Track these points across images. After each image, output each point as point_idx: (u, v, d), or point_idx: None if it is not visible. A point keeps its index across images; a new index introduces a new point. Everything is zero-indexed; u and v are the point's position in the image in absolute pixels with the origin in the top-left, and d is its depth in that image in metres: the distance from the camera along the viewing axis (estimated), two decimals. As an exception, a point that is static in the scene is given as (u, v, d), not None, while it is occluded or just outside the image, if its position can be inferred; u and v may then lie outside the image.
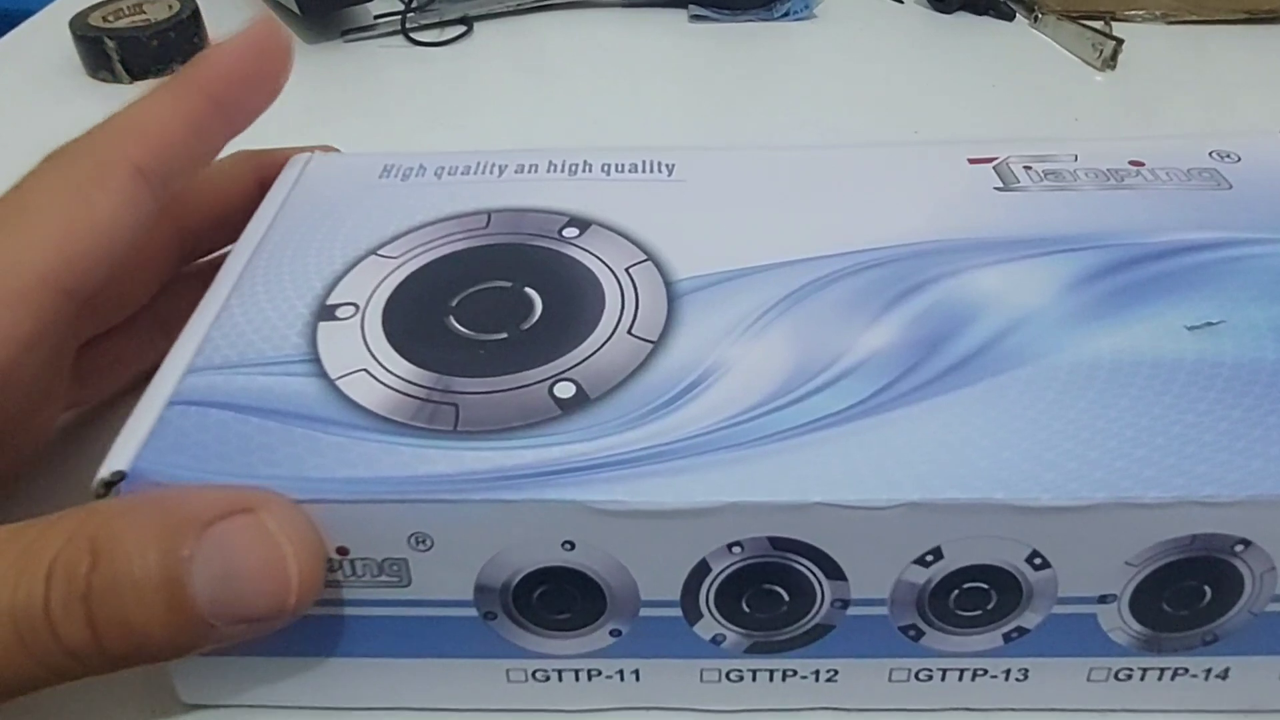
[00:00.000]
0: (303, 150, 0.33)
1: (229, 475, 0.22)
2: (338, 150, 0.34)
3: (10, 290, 0.23)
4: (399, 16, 0.62)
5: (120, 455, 0.22)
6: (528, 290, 0.26)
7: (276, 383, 0.24)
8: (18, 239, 0.24)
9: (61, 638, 0.20)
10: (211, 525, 0.20)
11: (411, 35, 0.61)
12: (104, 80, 0.57)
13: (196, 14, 0.59)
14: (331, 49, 0.61)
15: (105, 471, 0.22)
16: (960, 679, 0.24)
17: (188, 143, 0.27)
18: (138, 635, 0.20)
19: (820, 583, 0.22)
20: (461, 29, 0.62)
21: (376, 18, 0.62)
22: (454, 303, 0.26)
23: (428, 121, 0.53)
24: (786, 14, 0.62)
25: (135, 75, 0.57)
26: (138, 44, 0.57)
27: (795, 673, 0.24)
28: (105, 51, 0.56)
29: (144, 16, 0.59)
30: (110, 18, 0.58)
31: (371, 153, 0.33)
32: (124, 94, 0.57)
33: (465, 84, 0.57)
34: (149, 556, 0.20)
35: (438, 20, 0.62)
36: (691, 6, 0.63)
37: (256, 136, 0.52)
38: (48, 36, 0.61)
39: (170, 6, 0.59)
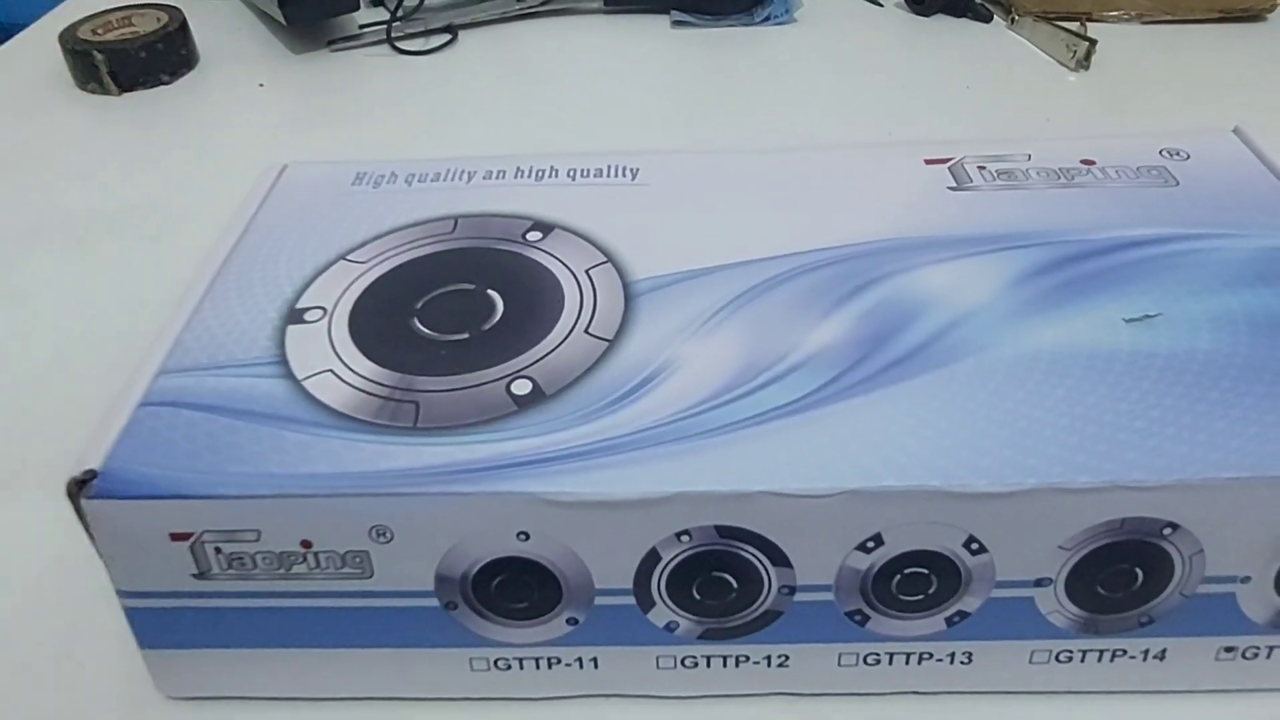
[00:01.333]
0: None
1: (197, 473, 0.23)
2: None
3: None
4: (384, 26, 0.63)
5: (93, 454, 0.23)
6: (490, 292, 0.27)
7: (245, 384, 0.25)
8: None
9: None
10: None
11: (397, 44, 0.62)
12: (93, 92, 0.58)
13: (184, 26, 0.60)
14: (317, 58, 0.62)
15: (78, 470, 0.23)
16: (907, 662, 0.25)
17: None
18: None
19: (767, 570, 0.23)
20: (446, 37, 0.63)
21: (361, 27, 0.63)
22: (419, 305, 0.27)
23: (413, 129, 0.54)
24: (767, 18, 0.63)
25: (124, 87, 0.58)
26: (126, 56, 0.58)
27: (748, 658, 0.25)
28: (94, 64, 0.57)
29: (133, 29, 0.60)
30: (99, 30, 0.59)
31: (346, 160, 0.34)
32: (112, 105, 0.58)
33: (450, 91, 0.58)
34: None
35: (423, 29, 0.63)
36: (674, 12, 0.64)
37: (245, 145, 0.53)
38: (37, 50, 0.62)
39: (159, 19, 0.61)
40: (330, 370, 0.25)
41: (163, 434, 0.24)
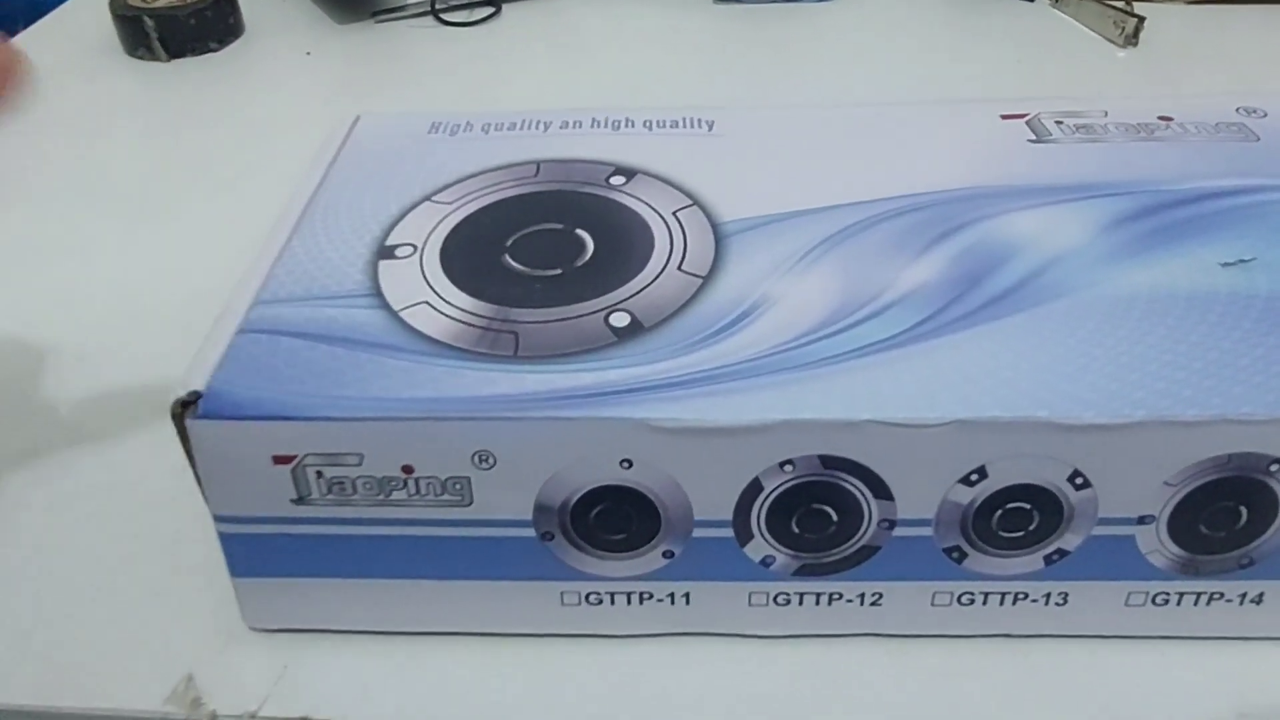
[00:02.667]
0: None
1: (300, 395, 0.23)
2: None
3: None
4: (429, -2, 0.63)
5: (196, 376, 0.23)
6: (579, 231, 0.27)
7: (342, 314, 0.25)
8: None
9: None
10: None
11: (441, 16, 0.62)
12: (142, 58, 0.58)
13: (232, -6, 0.60)
14: (363, 29, 0.62)
15: (182, 391, 0.23)
16: (1001, 603, 0.25)
17: None
18: None
19: (868, 502, 0.23)
20: (490, 10, 0.63)
21: (408, -2, 0.63)
22: (509, 243, 0.27)
23: (457, 98, 0.54)
24: (811, -5, 0.63)
25: (173, 53, 0.58)
26: (176, 23, 0.58)
27: (841, 596, 0.25)
28: (144, 30, 0.57)
29: (180, -4, 0.60)
30: (148, -2, 0.60)
31: (419, 111, 0.34)
32: (161, 71, 0.58)
33: (494, 63, 0.58)
34: None
35: (467, 1, 0.63)
36: (717, -12, 0.63)
37: (295, 111, 0.53)
38: (87, 17, 0.62)
39: (206, -13, 0.61)
40: (426, 302, 0.25)
41: (263, 359, 0.24)
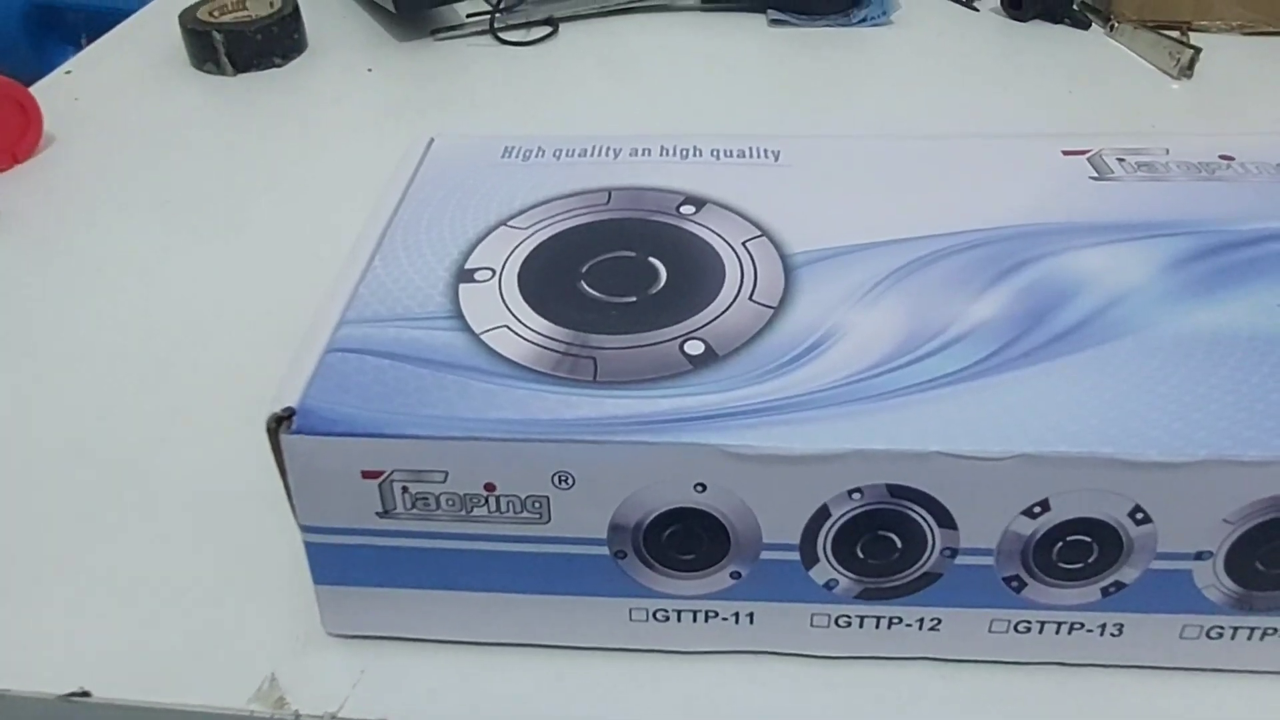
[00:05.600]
0: None
1: (389, 414, 0.24)
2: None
3: None
4: (488, 16, 0.64)
5: (289, 394, 0.24)
6: (652, 260, 0.28)
7: (425, 335, 0.26)
8: None
9: None
10: None
11: (499, 35, 0.64)
12: (209, 72, 0.60)
13: (297, 11, 0.62)
14: (422, 46, 0.63)
15: (277, 407, 0.24)
16: (1057, 632, 0.25)
17: None
18: None
19: (932, 530, 0.24)
20: (547, 29, 0.64)
21: (468, 16, 0.64)
22: (584, 269, 0.28)
23: (515, 116, 0.55)
24: (864, 20, 0.64)
25: (239, 68, 0.60)
26: (243, 38, 0.59)
27: (900, 620, 0.25)
28: (212, 44, 0.59)
29: (246, 13, 0.62)
30: (215, 13, 0.61)
31: (491, 135, 0.35)
32: (228, 85, 0.60)
33: (551, 82, 0.59)
34: None
35: (524, 20, 0.65)
36: (770, 11, 0.64)
37: (359, 125, 0.55)
38: (153, 30, 0.64)
39: (271, 4, 0.62)
40: (506, 326, 0.26)
41: (353, 378, 0.25)
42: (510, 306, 0.27)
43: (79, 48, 0.66)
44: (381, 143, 0.53)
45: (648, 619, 0.26)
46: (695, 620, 0.26)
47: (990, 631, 0.25)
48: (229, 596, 0.29)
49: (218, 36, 0.59)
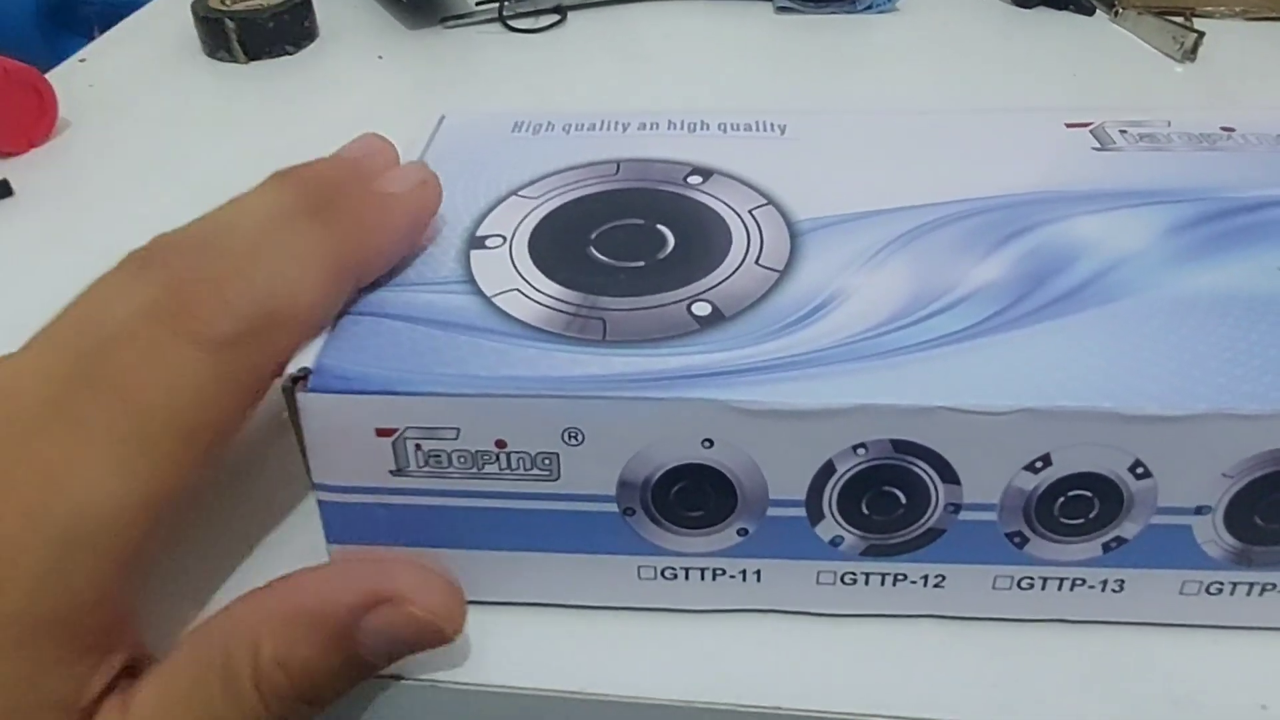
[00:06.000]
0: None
1: (402, 372, 0.24)
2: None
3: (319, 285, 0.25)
4: (497, 4, 0.64)
5: (305, 356, 0.25)
6: (660, 227, 0.29)
7: (439, 299, 0.26)
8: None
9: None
10: (363, 618, 0.24)
11: (508, 22, 0.64)
12: (221, 60, 0.61)
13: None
14: (431, 34, 0.64)
15: (294, 367, 0.24)
16: (1060, 588, 0.26)
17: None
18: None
19: (936, 486, 0.24)
20: (556, 17, 0.65)
21: (477, 4, 0.65)
22: (593, 235, 0.28)
23: (525, 101, 0.56)
24: (870, 6, 0.64)
25: (251, 55, 0.60)
26: (255, 26, 0.60)
27: (905, 577, 0.26)
28: (225, 32, 0.60)
29: (258, 1, 0.62)
30: (228, 2, 0.62)
31: (501, 110, 0.36)
32: (241, 73, 0.61)
33: (560, 68, 0.59)
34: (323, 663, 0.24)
35: (533, 9, 0.65)
36: (777, -1, 0.65)
37: (372, 112, 0.55)
38: (167, 18, 0.65)
39: (283, -8, 0.63)
40: (517, 289, 0.27)
41: (367, 339, 0.25)
42: (521, 271, 0.27)
43: (91, 39, 0.66)
44: (392, 129, 0.53)
45: (656, 577, 0.26)
46: (703, 578, 0.26)
47: (994, 588, 0.26)
48: (244, 558, 0.29)
49: (230, 24, 0.60)
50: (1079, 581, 0.26)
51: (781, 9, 0.65)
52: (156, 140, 0.52)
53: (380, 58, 0.61)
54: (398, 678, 0.26)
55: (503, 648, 0.27)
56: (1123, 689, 0.25)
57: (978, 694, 0.25)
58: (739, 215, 0.29)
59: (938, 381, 0.23)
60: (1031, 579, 0.26)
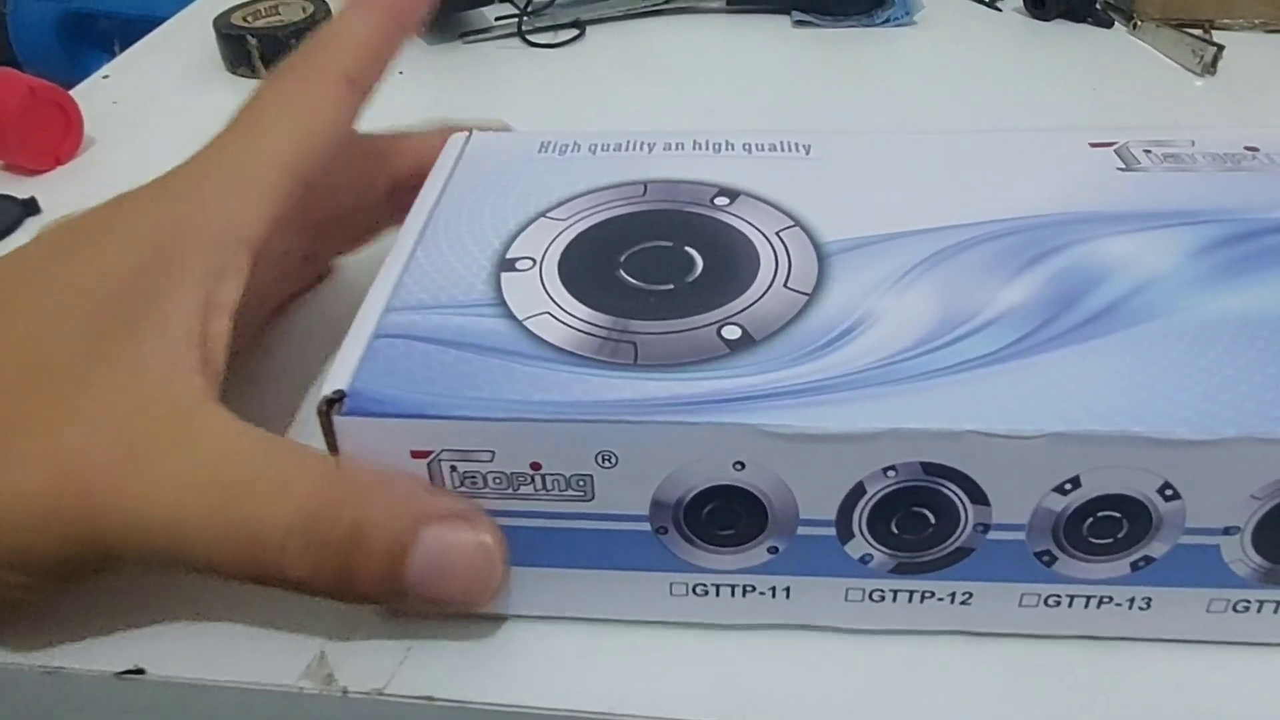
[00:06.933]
0: (486, 126, 0.36)
1: (437, 396, 0.25)
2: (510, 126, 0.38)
3: (261, 180, 0.29)
4: (515, 19, 0.65)
5: (339, 377, 0.25)
6: (688, 249, 0.29)
7: (470, 322, 0.27)
8: (260, 137, 0.30)
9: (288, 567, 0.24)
10: (437, 522, 0.25)
11: (527, 37, 0.65)
12: (243, 75, 0.61)
13: (329, 15, 0.63)
14: (451, 49, 0.64)
15: (329, 390, 0.25)
16: (1087, 606, 0.26)
17: (381, 52, 0.32)
18: (352, 582, 0.25)
19: (965, 507, 0.24)
20: (574, 32, 0.65)
21: (496, 19, 0.66)
22: (622, 258, 0.29)
23: (546, 116, 0.56)
24: (888, 20, 0.64)
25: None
26: (276, 42, 0.61)
27: (933, 594, 0.26)
28: (247, 49, 0.60)
29: (279, 17, 0.63)
30: (249, 18, 0.63)
31: (527, 131, 0.36)
32: (263, 88, 0.61)
33: (579, 84, 0.60)
34: (386, 530, 0.24)
35: (552, 24, 0.66)
36: (795, 13, 0.65)
37: (386, 129, 0.56)
38: (188, 35, 0.66)
39: (304, 9, 0.63)
40: (548, 313, 0.27)
41: (400, 362, 0.26)
42: (551, 294, 0.28)
43: (112, 55, 0.67)
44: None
45: (687, 593, 0.27)
46: (734, 595, 0.27)
47: (1021, 605, 0.26)
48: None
49: (252, 41, 0.60)
50: (1106, 599, 0.26)
51: (799, 23, 0.65)
52: (181, 156, 0.53)
53: (400, 73, 0.62)
54: (429, 698, 0.26)
55: (535, 662, 0.27)
56: (1149, 705, 0.26)
57: (1004, 710, 0.26)
58: (766, 237, 0.29)
59: (967, 406, 0.24)
60: (1059, 596, 0.26)
